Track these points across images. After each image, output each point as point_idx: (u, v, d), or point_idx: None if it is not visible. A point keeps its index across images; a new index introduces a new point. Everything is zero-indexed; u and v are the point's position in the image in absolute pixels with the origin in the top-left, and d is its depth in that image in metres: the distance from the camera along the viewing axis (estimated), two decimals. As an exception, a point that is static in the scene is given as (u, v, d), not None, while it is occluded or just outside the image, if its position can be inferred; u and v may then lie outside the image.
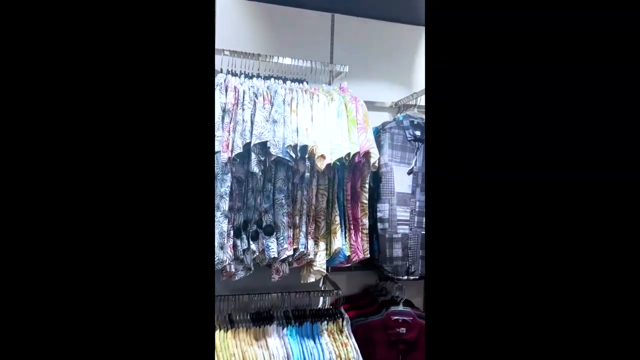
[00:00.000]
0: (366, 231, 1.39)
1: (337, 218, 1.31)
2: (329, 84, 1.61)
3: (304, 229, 1.27)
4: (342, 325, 1.47)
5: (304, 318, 1.47)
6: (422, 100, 1.86)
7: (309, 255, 1.27)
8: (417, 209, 1.61)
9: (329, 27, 1.80)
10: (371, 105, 1.84)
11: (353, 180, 1.35)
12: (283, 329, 1.40)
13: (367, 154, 1.27)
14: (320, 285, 1.82)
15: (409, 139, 1.62)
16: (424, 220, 1.63)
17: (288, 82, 1.40)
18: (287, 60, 1.44)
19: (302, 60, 1.45)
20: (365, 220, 1.39)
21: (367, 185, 1.38)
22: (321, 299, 1.76)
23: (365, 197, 1.38)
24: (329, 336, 1.43)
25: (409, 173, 1.61)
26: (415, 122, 1.64)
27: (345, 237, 1.34)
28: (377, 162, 1.30)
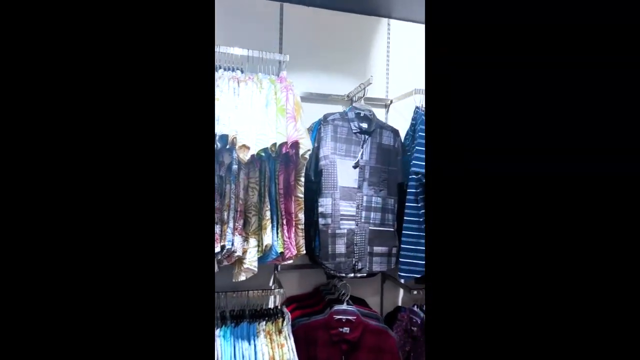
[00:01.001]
0: (302, 226, 1.33)
1: (268, 213, 1.24)
2: (277, 75, 1.54)
3: (231, 224, 1.20)
4: (282, 325, 1.41)
5: (242, 318, 1.41)
6: (369, 92, 1.80)
7: (236, 252, 1.21)
8: (364, 204, 1.55)
9: (278, 17, 1.74)
10: (325, 98, 1.78)
11: (286, 173, 1.29)
12: (217, 329, 1.34)
13: (295, 145, 1.21)
14: (270, 284, 1.76)
15: (354, 131, 1.56)
16: (372, 215, 1.58)
17: (220, 70, 1.33)
18: (222, 49, 1.38)
19: (238, 48, 1.39)
20: (301, 215, 1.33)
21: (302, 179, 1.32)
22: (270, 298, 1.70)
23: (300, 191, 1.32)
24: (266, 337, 1.36)
25: (354, 167, 1.56)
26: (361, 114, 1.58)
27: (277, 233, 1.27)
28: (307, 154, 1.24)
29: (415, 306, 1.66)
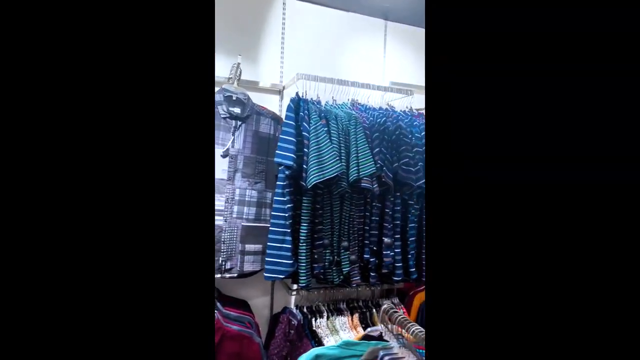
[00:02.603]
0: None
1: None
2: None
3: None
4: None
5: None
6: (261, 77, 1.65)
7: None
8: (235, 197, 1.41)
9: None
10: (211, 81, 1.62)
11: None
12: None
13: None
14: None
15: (223, 116, 1.41)
16: (245, 210, 1.44)
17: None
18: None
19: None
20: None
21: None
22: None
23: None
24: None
25: (223, 156, 1.41)
26: (233, 98, 1.43)
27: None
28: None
29: (295, 307, 1.55)
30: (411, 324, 0.87)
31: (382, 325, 1.01)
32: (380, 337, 1.00)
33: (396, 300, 1.67)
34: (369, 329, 1.07)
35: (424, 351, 0.85)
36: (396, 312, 0.95)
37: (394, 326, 0.95)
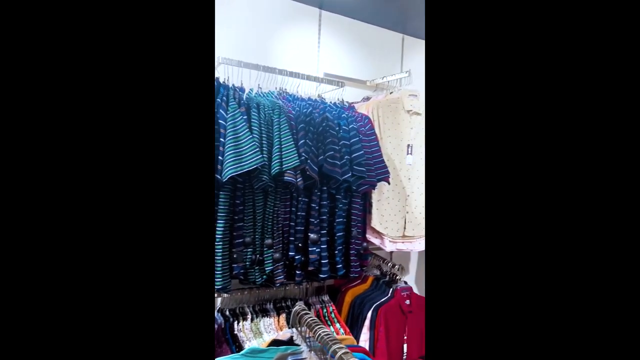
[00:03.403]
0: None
1: None
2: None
3: None
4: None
5: None
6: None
7: None
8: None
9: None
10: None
11: None
12: None
13: None
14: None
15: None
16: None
17: None
18: None
19: None
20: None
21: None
22: None
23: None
24: None
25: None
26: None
27: None
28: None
29: (217, 311, 1.45)
30: (319, 326, 0.82)
31: (294, 329, 0.94)
32: (290, 341, 0.93)
33: (326, 298, 1.62)
34: (280, 332, 1.00)
35: (331, 353, 0.80)
36: (307, 313, 0.89)
37: (304, 329, 0.89)
